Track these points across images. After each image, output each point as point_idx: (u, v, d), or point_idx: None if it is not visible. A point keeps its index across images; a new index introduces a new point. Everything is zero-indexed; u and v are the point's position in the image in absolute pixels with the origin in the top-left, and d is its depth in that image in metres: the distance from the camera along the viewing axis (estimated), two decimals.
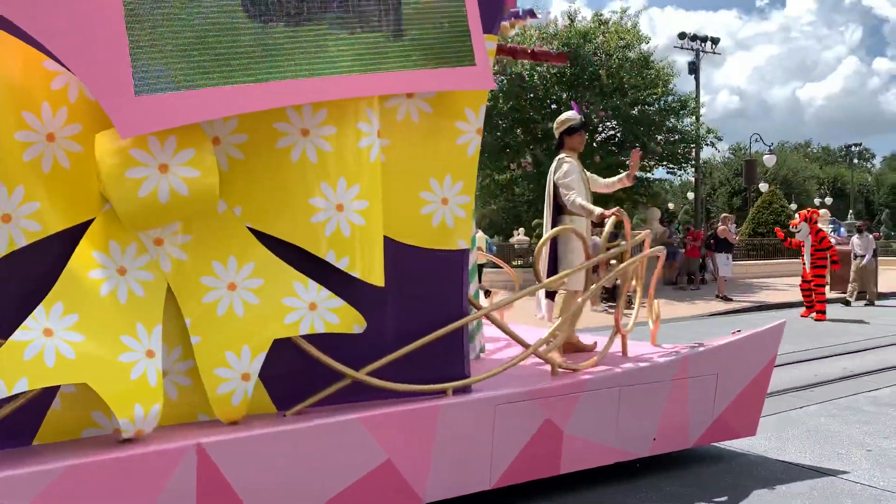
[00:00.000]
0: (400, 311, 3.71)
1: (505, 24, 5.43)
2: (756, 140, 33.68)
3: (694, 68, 29.71)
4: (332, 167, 3.44)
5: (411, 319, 3.72)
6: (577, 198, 5.21)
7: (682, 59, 34.20)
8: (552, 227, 5.28)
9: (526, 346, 4.23)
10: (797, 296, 15.16)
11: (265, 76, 3.17)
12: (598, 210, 5.15)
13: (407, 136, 3.73)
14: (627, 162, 20.65)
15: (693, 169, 24.76)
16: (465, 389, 3.87)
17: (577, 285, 5.12)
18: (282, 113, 3.39)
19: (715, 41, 30.74)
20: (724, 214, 20.21)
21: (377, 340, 3.63)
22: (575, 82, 20.42)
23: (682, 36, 30.22)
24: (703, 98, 28.88)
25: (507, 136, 21.31)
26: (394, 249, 3.66)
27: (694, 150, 23.34)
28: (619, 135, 21.85)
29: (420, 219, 3.74)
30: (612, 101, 20.06)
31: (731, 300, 16.99)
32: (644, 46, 21.84)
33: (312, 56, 3.29)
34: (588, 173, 5.63)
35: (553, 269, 5.21)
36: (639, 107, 20.82)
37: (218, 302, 3.31)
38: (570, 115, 5.61)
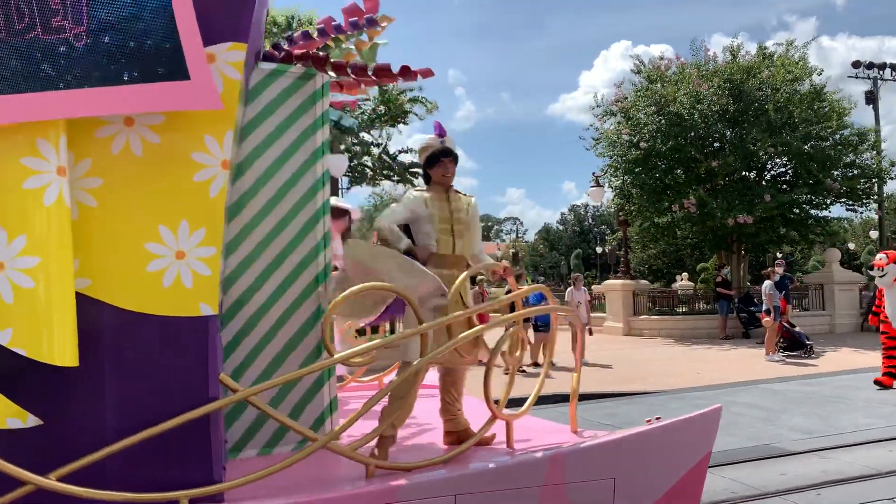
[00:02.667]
0: (120, 397, 2.95)
1: (364, 40, 4.60)
2: None
3: (872, 98, 27.76)
4: None
5: (137, 408, 2.94)
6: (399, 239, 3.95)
7: (858, 89, 32.04)
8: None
9: (312, 438, 3.23)
10: None
11: None
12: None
13: (126, 173, 3.01)
14: (797, 198, 19.21)
15: (876, 205, 22.90)
16: (214, 498, 2.94)
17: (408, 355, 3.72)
18: None
19: (895, 67, 28.62)
20: None
21: (89, 436, 2.87)
22: (739, 118, 19.65)
23: (856, 64, 28.39)
24: (884, 129, 26.83)
25: (668, 177, 20.75)
26: (110, 317, 2.94)
27: (876, 184, 21.64)
28: (790, 172, 20.73)
29: (146, 277, 2.98)
30: (782, 137, 19.09)
31: None
32: (815, 78, 20.72)
33: None
34: (478, 242, 4.29)
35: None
36: (812, 142, 19.65)
37: None
38: (429, 141, 4.26)
